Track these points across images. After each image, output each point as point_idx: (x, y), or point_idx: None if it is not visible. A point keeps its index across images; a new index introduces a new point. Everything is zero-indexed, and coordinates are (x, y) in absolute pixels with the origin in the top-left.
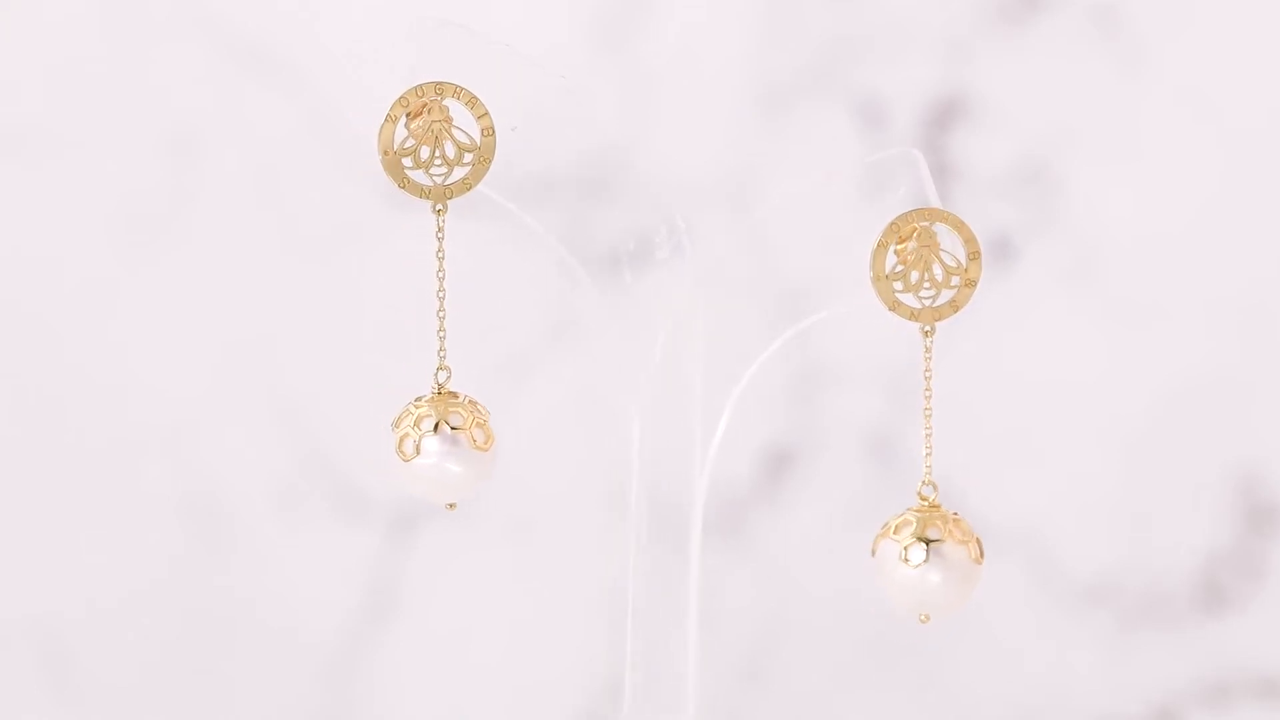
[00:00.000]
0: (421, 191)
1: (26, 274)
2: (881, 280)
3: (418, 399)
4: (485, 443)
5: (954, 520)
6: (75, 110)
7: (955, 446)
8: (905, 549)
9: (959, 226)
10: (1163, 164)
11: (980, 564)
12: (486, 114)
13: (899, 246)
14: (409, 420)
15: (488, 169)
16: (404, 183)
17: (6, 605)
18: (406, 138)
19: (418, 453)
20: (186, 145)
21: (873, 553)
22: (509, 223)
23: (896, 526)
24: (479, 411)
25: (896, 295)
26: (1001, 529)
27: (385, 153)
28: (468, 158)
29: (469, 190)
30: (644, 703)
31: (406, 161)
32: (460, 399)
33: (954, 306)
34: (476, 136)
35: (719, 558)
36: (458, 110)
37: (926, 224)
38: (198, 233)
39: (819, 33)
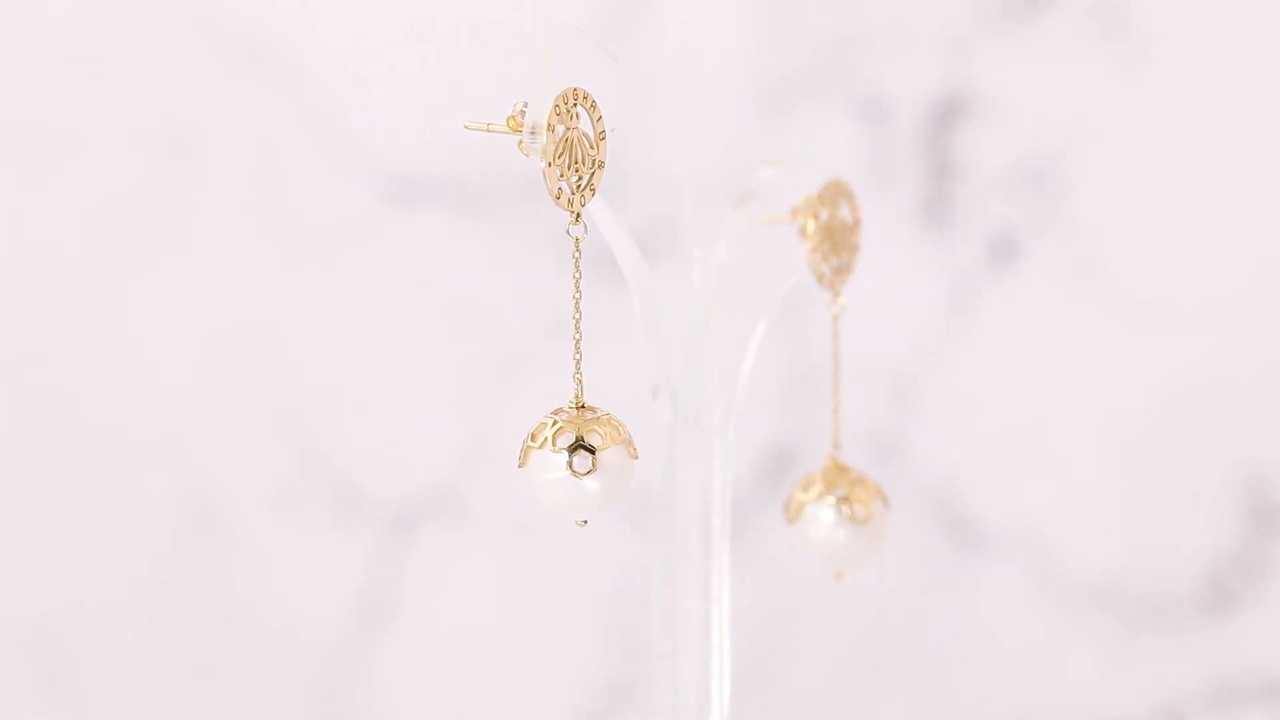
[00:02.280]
0: (569, 202)
1: (25, 273)
2: (815, 253)
3: (559, 413)
4: (636, 453)
5: (860, 480)
6: (75, 110)
7: (957, 446)
8: (815, 508)
9: (849, 196)
10: (1166, 163)
11: (885, 517)
12: (602, 117)
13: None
14: (566, 437)
15: (603, 172)
16: (558, 194)
17: (5, 605)
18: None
19: (593, 468)
20: (186, 145)
21: (787, 513)
22: (510, 221)
23: (806, 486)
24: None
25: (820, 268)
26: (1004, 530)
27: (549, 164)
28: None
29: (593, 195)
30: (664, 705)
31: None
32: (599, 412)
33: (848, 270)
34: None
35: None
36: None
37: (834, 195)
38: (197, 232)
39: (819, 32)
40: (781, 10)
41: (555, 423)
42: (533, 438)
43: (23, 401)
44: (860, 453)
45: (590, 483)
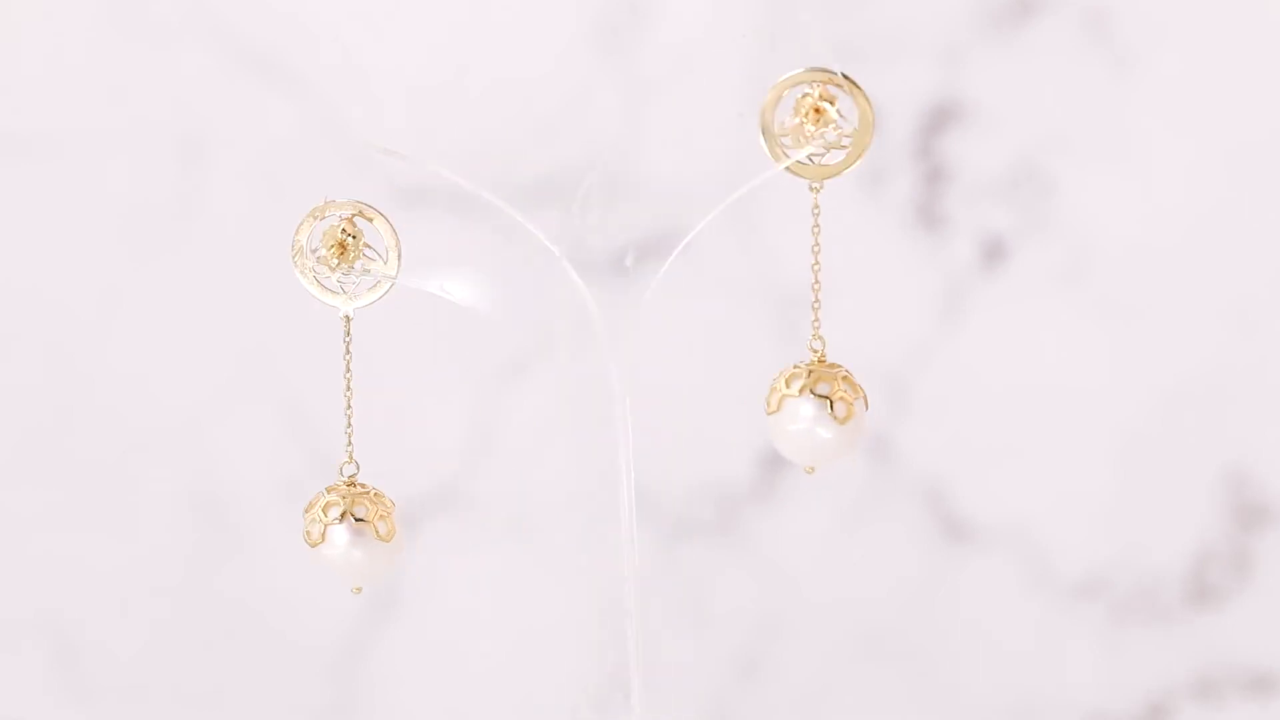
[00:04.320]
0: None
1: (37, 276)
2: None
3: (799, 367)
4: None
5: (843, 376)
6: (84, 115)
7: (947, 444)
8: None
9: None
10: (1154, 167)
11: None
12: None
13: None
14: (825, 385)
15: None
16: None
17: (17, 603)
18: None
19: (850, 415)
20: (194, 149)
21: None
22: (508, 223)
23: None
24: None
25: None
26: (993, 526)
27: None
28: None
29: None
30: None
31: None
32: (840, 366)
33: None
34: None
35: (716, 556)
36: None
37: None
38: (205, 234)
39: (813, 40)
40: (776, 19)
41: (811, 371)
42: (786, 384)
43: (33, 401)
44: (857, 453)
45: (831, 430)
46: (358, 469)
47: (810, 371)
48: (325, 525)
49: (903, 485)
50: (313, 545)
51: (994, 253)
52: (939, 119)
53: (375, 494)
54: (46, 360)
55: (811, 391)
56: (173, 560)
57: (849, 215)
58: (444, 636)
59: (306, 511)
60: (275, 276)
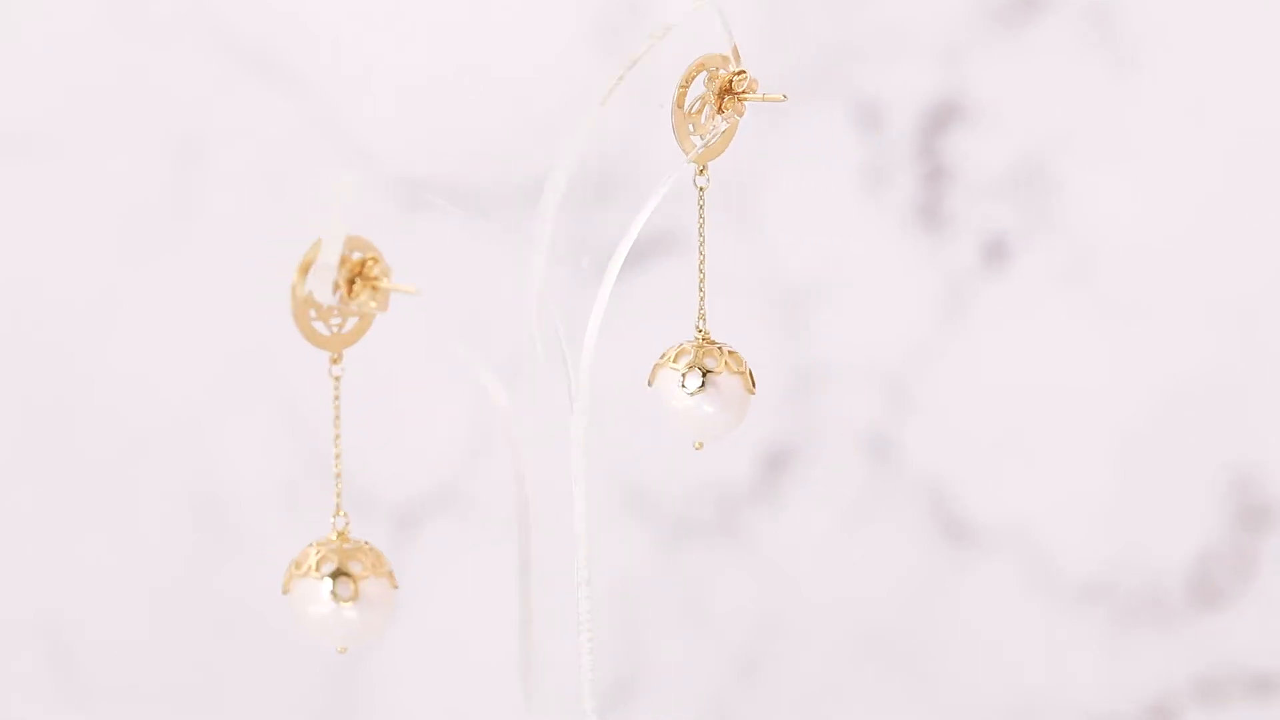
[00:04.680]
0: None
1: (36, 276)
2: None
3: (687, 343)
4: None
5: (729, 353)
6: (83, 115)
7: (949, 445)
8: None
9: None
10: (1157, 166)
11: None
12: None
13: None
14: (695, 360)
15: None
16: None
17: (17, 604)
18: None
19: (703, 386)
20: (193, 148)
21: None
22: (514, 222)
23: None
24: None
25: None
26: (994, 527)
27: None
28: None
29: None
30: (631, 701)
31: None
32: (722, 344)
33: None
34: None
35: (716, 556)
36: None
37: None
38: (204, 234)
39: (816, 39)
40: (779, 18)
41: (691, 351)
42: (675, 359)
43: (32, 403)
44: (855, 451)
45: (710, 407)
46: (348, 521)
47: (721, 349)
48: (358, 582)
49: (904, 486)
50: (342, 602)
51: (996, 252)
52: (941, 118)
53: (374, 550)
54: (46, 360)
55: (727, 369)
56: (173, 560)
57: (850, 214)
58: (444, 636)
59: (312, 572)
60: (275, 276)
